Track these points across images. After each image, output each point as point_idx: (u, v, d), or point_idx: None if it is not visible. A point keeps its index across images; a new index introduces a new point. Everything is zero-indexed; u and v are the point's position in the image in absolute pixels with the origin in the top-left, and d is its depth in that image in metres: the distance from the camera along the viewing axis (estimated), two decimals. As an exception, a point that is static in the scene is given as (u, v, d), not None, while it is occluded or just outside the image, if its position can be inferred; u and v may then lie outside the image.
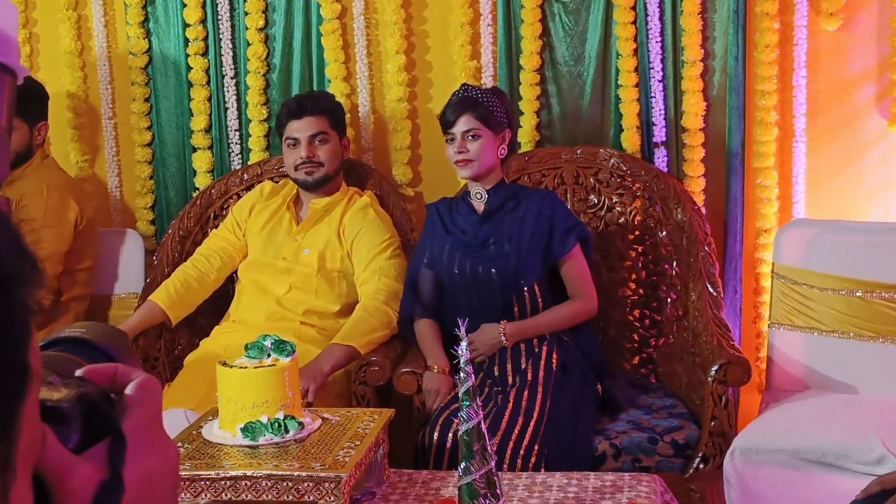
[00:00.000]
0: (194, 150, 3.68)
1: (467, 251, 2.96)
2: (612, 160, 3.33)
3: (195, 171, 3.69)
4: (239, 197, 3.50)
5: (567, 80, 3.46)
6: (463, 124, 2.89)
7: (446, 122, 2.93)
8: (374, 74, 3.58)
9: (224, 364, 2.29)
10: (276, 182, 3.43)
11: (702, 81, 3.36)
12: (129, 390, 0.75)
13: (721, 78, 3.38)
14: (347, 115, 3.45)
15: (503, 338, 2.87)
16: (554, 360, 2.84)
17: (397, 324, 3.01)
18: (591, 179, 3.35)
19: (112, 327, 0.87)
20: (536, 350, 2.87)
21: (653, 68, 3.38)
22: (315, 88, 3.57)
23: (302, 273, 3.16)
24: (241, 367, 2.27)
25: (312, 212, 3.23)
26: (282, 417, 2.26)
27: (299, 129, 3.18)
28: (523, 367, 2.84)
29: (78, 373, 0.76)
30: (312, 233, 3.21)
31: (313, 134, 3.17)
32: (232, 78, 3.64)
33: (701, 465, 2.74)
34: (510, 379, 2.84)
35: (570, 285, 2.96)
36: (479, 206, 2.99)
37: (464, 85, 3.00)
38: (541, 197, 2.98)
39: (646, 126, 3.41)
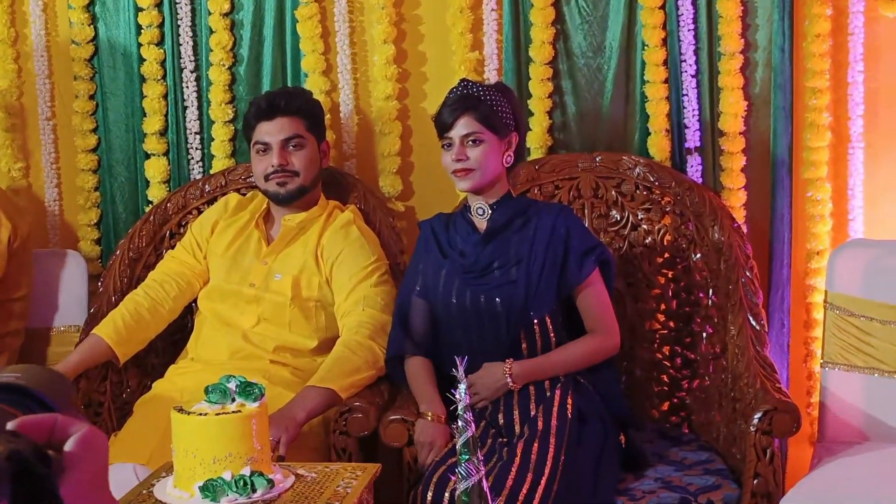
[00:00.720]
0: (147, 156, 3.67)
1: (467, 278, 2.95)
2: (637, 169, 3.33)
3: (148, 182, 3.68)
4: (199, 212, 3.48)
5: (584, 74, 3.46)
6: (462, 127, 2.89)
7: (443, 125, 2.92)
8: (358, 68, 3.58)
9: (180, 410, 2.29)
10: (244, 195, 3.42)
11: (742, 77, 3.35)
12: (68, 446, 0.75)
13: (765, 73, 3.37)
14: (327, 116, 3.44)
15: (509, 379, 2.85)
16: (569, 407, 2.82)
17: (384, 363, 2.99)
18: (613, 192, 3.33)
19: (50, 371, 0.87)
20: (548, 394, 2.84)
21: (685, 61, 3.37)
22: (289, 84, 3.55)
23: (273, 302, 3.15)
24: (201, 414, 2.27)
25: (285, 230, 3.21)
26: (248, 474, 2.24)
27: (270, 131, 3.16)
28: (533, 414, 2.82)
29: (10, 426, 0.76)
30: (285, 255, 3.20)
31: (286, 138, 3.16)
32: (192, 72, 3.63)
33: (742, 532, 2.74)
34: (517, 428, 2.82)
35: (588, 318, 2.95)
36: (481, 223, 2.99)
37: (463, 80, 2.99)
38: (554, 213, 2.97)
39: (677, 129, 3.40)
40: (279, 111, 3.17)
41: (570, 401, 2.83)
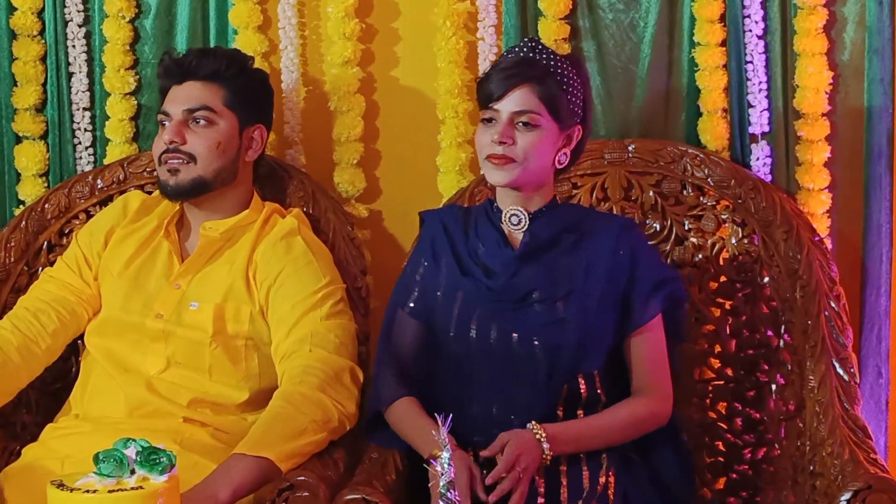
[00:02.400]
0: (18, 140, 3.70)
1: (496, 307, 2.98)
2: (683, 162, 3.36)
3: (18, 175, 3.70)
4: (89, 216, 3.49)
5: (613, 34, 3.50)
6: (516, 101, 2.91)
7: (489, 93, 2.93)
8: (306, 23, 3.61)
9: (60, 486, 2.28)
10: (151, 193, 3.44)
11: (826, 39, 3.39)
12: None
13: (856, 34, 3.41)
14: None
15: (546, 445, 2.83)
16: (611, 493, 2.88)
17: (351, 423, 3.03)
18: (651, 192, 3.38)
19: None
20: (585, 471, 2.90)
21: (748, 17, 3.41)
22: (212, 43, 3.61)
23: (187, 340, 3.16)
24: (88, 491, 2.25)
25: (205, 242, 3.22)
26: (152, 575, 2.22)
27: (175, 98, 3.22)
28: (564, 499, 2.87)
29: None
30: (205, 276, 3.22)
31: (191, 108, 3.20)
32: (80, 26, 3.66)
33: None
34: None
35: (639, 372, 2.99)
36: (516, 235, 3.02)
37: (531, 40, 3.01)
38: (615, 230, 3.02)
39: (737, 109, 3.44)
40: (189, 73, 3.21)
41: (612, 480, 2.89)
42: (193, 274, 3.21)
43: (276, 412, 2.96)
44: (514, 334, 2.93)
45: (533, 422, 2.84)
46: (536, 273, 2.97)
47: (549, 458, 2.82)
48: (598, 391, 2.95)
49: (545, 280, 2.96)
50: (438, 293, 3.03)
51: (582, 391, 2.94)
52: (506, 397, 2.94)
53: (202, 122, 3.20)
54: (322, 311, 3.13)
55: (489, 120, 2.92)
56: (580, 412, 2.94)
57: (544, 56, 2.92)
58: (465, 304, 2.99)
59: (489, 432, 2.87)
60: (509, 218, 2.99)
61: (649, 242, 3.33)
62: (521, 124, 2.89)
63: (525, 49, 2.95)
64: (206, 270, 3.22)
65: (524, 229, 2.99)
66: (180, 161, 3.18)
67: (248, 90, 3.29)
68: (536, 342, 2.91)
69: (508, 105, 2.89)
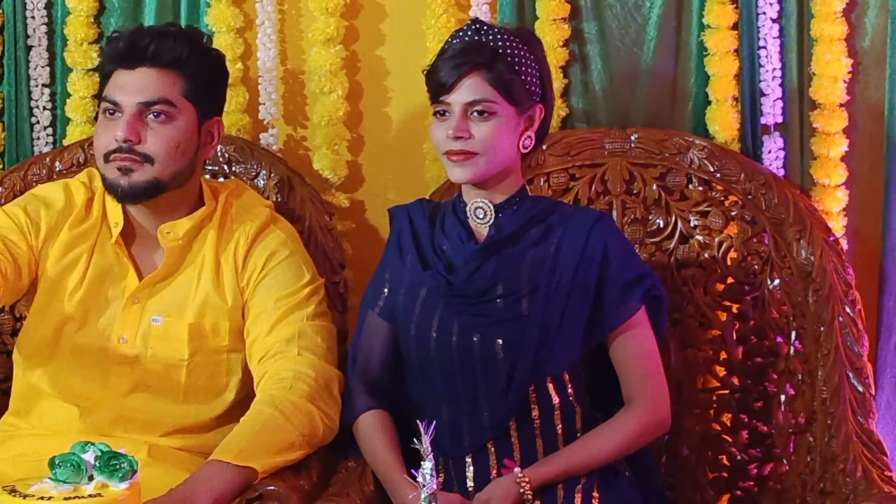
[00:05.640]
0: None
1: (455, 303, 2.94)
2: (690, 154, 3.29)
3: None
4: None
5: (616, 14, 3.44)
6: (467, 91, 2.86)
7: (438, 85, 2.89)
8: None
9: (13, 492, 2.24)
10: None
11: (846, 23, 3.33)
12: None
13: (879, 18, 3.35)
14: (238, 68, 3.41)
15: (529, 492, 2.82)
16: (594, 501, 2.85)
17: (332, 436, 2.97)
18: (655, 186, 3.32)
19: None
20: (565, 496, 2.85)
21: None
22: (183, 17, 3.53)
23: (159, 364, 3.06)
24: (42, 498, 2.23)
25: (171, 250, 3.07)
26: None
27: (125, 86, 3.03)
28: None
29: None
30: (170, 289, 3.10)
31: (147, 101, 3.01)
32: None
33: None
34: None
35: (627, 377, 2.95)
36: (481, 229, 2.98)
37: (475, 22, 2.97)
38: (587, 223, 2.96)
39: (749, 98, 3.38)
40: (145, 58, 3.03)
41: (595, 494, 2.84)
42: (154, 286, 3.08)
43: (264, 419, 2.87)
44: (475, 335, 2.90)
45: (516, 468, 2.84)
46: (500, 268, 2.94)
47: (529, 497, 2.82)
48: (571, 399, 2.92)
49: (509, 275, 2.93)
50: (402, 290, 3.02)
51: (553, 398, 2.90)
52: (471, 399, 2.93)
53: (160, 116, 3.02)
54: (308, 311, 3.06)
55: (442, 113, 2.91)
56: (559, 426, 2.91)
57: (490, 37, 2.90)
58: (426, 302, 2.97)
59: (459, 436, 2.92)
60: (474, 212, 2.97)
61: (653, 241, 3.35)
62: (475, 114, 2.87)
63: (469, 33, 2.93)
64: (171, 282, 3.08)
65: (489, 223, 2.96)
66: (134, 160, 3.01)
67: (209, 79, 3.14)
68: (500, 342, 2.89)
69: (460, 96, 2.87)
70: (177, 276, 3.09)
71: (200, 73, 3.07)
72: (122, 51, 3.02)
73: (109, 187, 3.04)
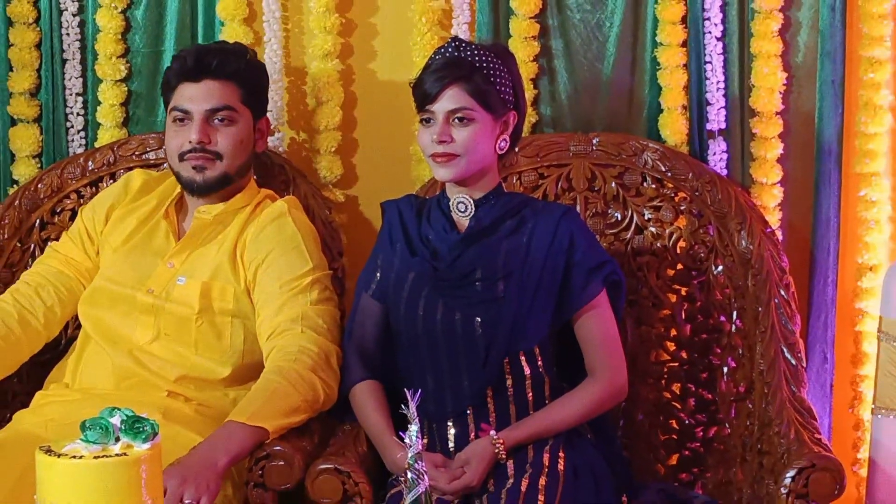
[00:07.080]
0: (13, 122, 3.74)
1: (440, 286, 3.03)
2: (644, 156, 3.42)
3: (13, 156, 3.74)
4: (80, 196, 3.54)
5: (580, 33, 3.54)
6: (449, 101, 2.96)
7: (424, 95, 2.99)
8: (289, 16, 3.65)
9: (48, 451, 2.22)
10: (160, 170, 3.44)
11: (781, 41, 3.44)
12: None
13: (810, 37, 3.46)
14: None
15: (503, 453, 2.93)
16: (561, 462, 2.93)
17: (331, 404, 3.05)
18: (613, 184, 3.44)
19: None
20: (533, 458, 2.94)
21: (708, 19, 3.46)
22: (200, 36, 3.62)
23: (175, 315, 3.18)
24: (74, 457, 2.19)
25: (198, 225, 3.25)
26: (136, 539, 2.15)
27: (194, 97, 3.20)
28: (511, 473, 2.92)
29: None
30: (197, 256, 3.23)
31: (213, 108, 3.20)
32: (74, 15, 3.69)
33: None
34: (491, 488, 2.91)
35: (590, 351, 3.04)
36: (463, 221, 3.08)
37: (454, 40, 3.06)
38: (556, 216, 3.05)
39: (696, 106, 3.50)
40: (209, 72, 3.20)
41: (562, 454, 2.93)
42: (187, 254, 3.22)
43: (273, 386, 2.93)
44: (457, 314, 2.98)
45: (493, 433, 2.93)
46: (479, 255, 3.01)
47: (503, 458, 2.92)
48: (541, 370, 3.00)
49: (487, 261, 3.00)
50: (392, 275, 3.08)
51: (525, 369, 2.98)
52: (452, 372, 2.99)
53: (225, 120, 3.20)
54: (311, 297, 3.14)
55: (427, 120, 2.98)
56: (530, 395, 3.00)
57: (469, 53, 2.97)
58: (414, 285, 3.04)
59: (442, 403, 2.99)
60: (457, 205, 3.05)
61: (611, 231, 3.40)
62: (456, 120, 2.94)
63: (451, 49, 2.99)
64: (199, 251, 3.22)
65: (470, 216, 3.04)
66: (207, 159, 3.18)
67: (258, 86, 3.32)
68: (478, 320, 2.96)
69: (443, 105, 2.95)
70: (205, 248, 3.21)
71: (251, 81, 3.26)
72: (190, 67, 3.19)
73: (185, 183, 3.22)
